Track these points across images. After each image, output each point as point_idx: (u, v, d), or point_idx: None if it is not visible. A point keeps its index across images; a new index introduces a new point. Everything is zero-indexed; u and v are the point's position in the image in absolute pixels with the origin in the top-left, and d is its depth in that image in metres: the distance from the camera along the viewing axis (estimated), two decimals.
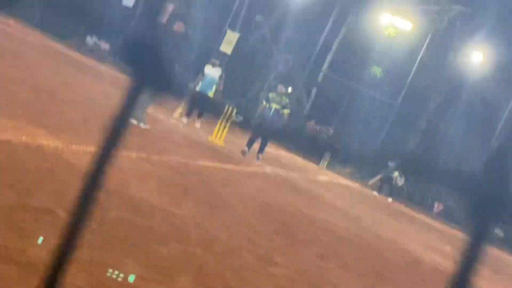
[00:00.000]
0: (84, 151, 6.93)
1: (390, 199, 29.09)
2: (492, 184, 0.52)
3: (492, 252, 25.66)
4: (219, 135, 16.57)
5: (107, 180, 5.15)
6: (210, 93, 18.06)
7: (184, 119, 17.93)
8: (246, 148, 16.55)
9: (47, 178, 5.34)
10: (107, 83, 19.53)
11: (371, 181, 30.24)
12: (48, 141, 6.69)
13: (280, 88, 17.22)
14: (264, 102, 17.13)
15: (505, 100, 36.99)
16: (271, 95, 17.10)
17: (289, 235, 8.18)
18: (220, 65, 18.60)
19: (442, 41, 37.83)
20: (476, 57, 36.18)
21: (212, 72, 18.19)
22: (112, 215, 5.15)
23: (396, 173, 30.98)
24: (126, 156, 8.26)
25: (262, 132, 16.93)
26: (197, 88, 18.22)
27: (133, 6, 38.77)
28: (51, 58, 20.21)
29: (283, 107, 16.85)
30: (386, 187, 29.91)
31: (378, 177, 29.99)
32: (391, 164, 29.82)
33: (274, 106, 16.74)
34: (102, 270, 3.83)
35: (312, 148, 33.80)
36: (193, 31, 38.47)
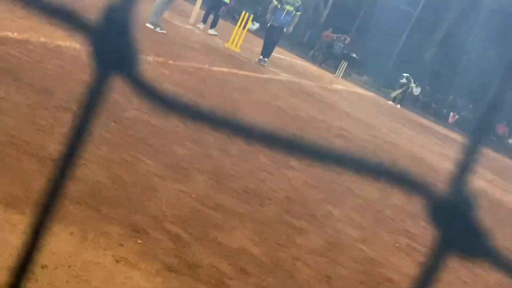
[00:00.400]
0: None
1: (398, 106, 29.29)
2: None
3: (507, 162, 25.78)
4: (235, 42, 16.47)
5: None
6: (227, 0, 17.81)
7: (201, 25, 17.76)
8: (261, 56, 16.40)
9: (65, 77, 5.37)
10: None
11: (393, 94, 30.14)
12: (66, 42, 6.69)
13: None
14: (276, 2, 16.45)
15: None
16: None
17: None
18: None
19: None
20: None
21: None
22: (130, 115, 5.20)
23: (412, 84, 30.95)
24: (143, 59, 8.25)
25: (274, 34, 16.53)
26: None
27: None
28: None
29: (296, 10, 16.42)
30: (400, 95, 29.96)
31: (399, 90, 29.94)
32: (402, 80, 29.74)
33: (288, 8, 16.30)
34: (121, 167, 3.89)
35: (328, 57, 33.54)
36: None
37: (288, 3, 16.29)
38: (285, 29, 16.63)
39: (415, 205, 7.26)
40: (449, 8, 38.44)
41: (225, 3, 17.95)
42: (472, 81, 36.81)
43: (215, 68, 10.96)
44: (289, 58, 26.13)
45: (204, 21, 17.88)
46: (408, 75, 29.98)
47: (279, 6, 16.30)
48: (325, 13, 40.83)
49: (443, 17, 38.79)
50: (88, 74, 0.59)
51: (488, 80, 36.84)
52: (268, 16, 17.06)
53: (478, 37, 37.38)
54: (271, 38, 16.60)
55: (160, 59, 8.88)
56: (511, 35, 34.97)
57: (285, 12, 16.28)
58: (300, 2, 16.63)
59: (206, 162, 4.98)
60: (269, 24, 16.73)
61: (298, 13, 16.54)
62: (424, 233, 6.05)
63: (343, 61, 31.26)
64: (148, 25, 12.35)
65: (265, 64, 16.30)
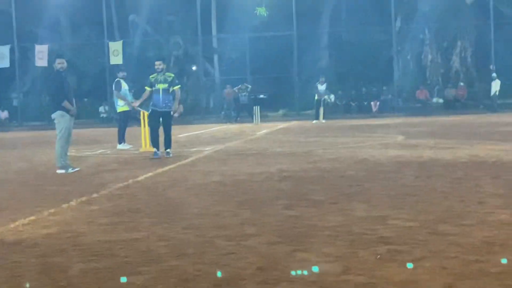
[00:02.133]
0: None
1: (323, 121, 29.76)
2: None
3: (432, 119, 26.23)
4: (147, 142, 16.36)
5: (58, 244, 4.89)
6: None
7: (123, 146, 17.37)
8: (155, 149, 14.56)
9: None
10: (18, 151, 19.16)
11: (316, 121, 30.33)
12: None
13: (158, 64, 14.55)
14: (148, 88, 14.69)
15: None
16: (151, 77, 14.60)
17: (255, 206, 8.16)
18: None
19: None
20: None
21: (126, 85, 17.79)
22: (79, 268, 5.04)
23: (325, 96, 31.54)
24: (67, 208, 8.08)
25: (160, 120, 14.61)
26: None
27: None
28: None
29: (172, 85, 14.53)
30: (318, 111, 30.53)
31: (321, 110, 30.38)
32: (319, 92, 30.33)
33: (161, 86, 14.42)
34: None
35: (239, 110, 33.80)
36: (78, 58, 37.91)
37: (160, 82, 14.47)
38: (172, 113, 14.68)
39: (380, 209, 7.23)
40: (321, 18, 39.57)
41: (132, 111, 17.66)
42: (371, 66, 37.85)
43: (140, 178, 10.82)
44: (206, 130, 26.20)
45: (120, 142, 17.54)
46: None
47: (153, 89, 14.53)
48: (216, 74, 41.26)
49: (320, 23, 39.77)
50: None
51: (380, 58, 38.20)
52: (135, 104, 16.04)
53: (351, 28, 38.96)
54: (156, 126, 14.67)
55: (83, 199, 8.72)
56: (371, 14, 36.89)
57: (161, 92, 14.44)
58: (173, 75, 14.90)
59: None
60: (150, 111, 14.82)
61: (177, 87, 14.68)
62: (397, 230, 6.01)
63: (254, 107, 31.54)
64: (59, 171, 12.17)
65: (170, 155, 14.44)
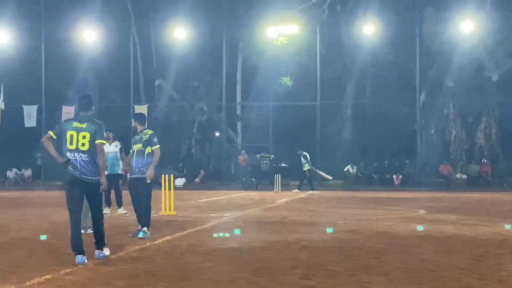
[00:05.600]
0: None
1: (299, 191, 29.68)
2: None
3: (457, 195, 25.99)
4: (168, 206, 16.34)
5: None
6: (119, 171, 16.40)
7: (106, 210, 16.48)
8: (139, 227, 11.84)
9: None
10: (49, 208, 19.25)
11: (312, 192, 30.17)
12: None
13: (135, 124, 12.07)
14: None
15: None
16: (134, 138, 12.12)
17: (271, 275, 8.07)
18: (115, 138, 16.72)
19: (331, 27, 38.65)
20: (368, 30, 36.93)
21: (109, 148, 15.97)
22: None
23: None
24: (83, 268, 8.05)
25: (135, 193, 11.89)
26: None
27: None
28: None
29: (148, 145, 11.64)
30: (311, 182, 30.59)
31: (321, 174, 30.63)
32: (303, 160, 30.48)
33: (136, 147, 11.74)
34: None
35: (261, 178, 33.74)
36: (103, 120, 38.32)
37: (135, 142, 11.86)
38: (147, 179, 11.59)
39: (398, 283, 7.11)
40: (346, 89, 39.83)
41: (120, 175, 16.40)
42: (395, 139, 37.86)
43: (158, 242, 10.78)
44: (226, 196, 26.18)
45: (107, 204, 16.52)
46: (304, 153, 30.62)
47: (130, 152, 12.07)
48: (239, 141, 41.47)
49: (345, 94, 40.03)
50: None
51: (403, 131, 38.26)
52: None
53: (375, 100, 39.14)
54: (135, 199, 11.94)
55: (101, 260, 8.67)
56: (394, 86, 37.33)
57: (135, 154, 11.77)
58: (151, 133, 11.80)
59: None
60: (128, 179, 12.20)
61: (156, 147, 11.65)
62: None
63: (275, 175, 31.47)
64: (82, 231, 12.13)
65: (147, 236, 11.37)
